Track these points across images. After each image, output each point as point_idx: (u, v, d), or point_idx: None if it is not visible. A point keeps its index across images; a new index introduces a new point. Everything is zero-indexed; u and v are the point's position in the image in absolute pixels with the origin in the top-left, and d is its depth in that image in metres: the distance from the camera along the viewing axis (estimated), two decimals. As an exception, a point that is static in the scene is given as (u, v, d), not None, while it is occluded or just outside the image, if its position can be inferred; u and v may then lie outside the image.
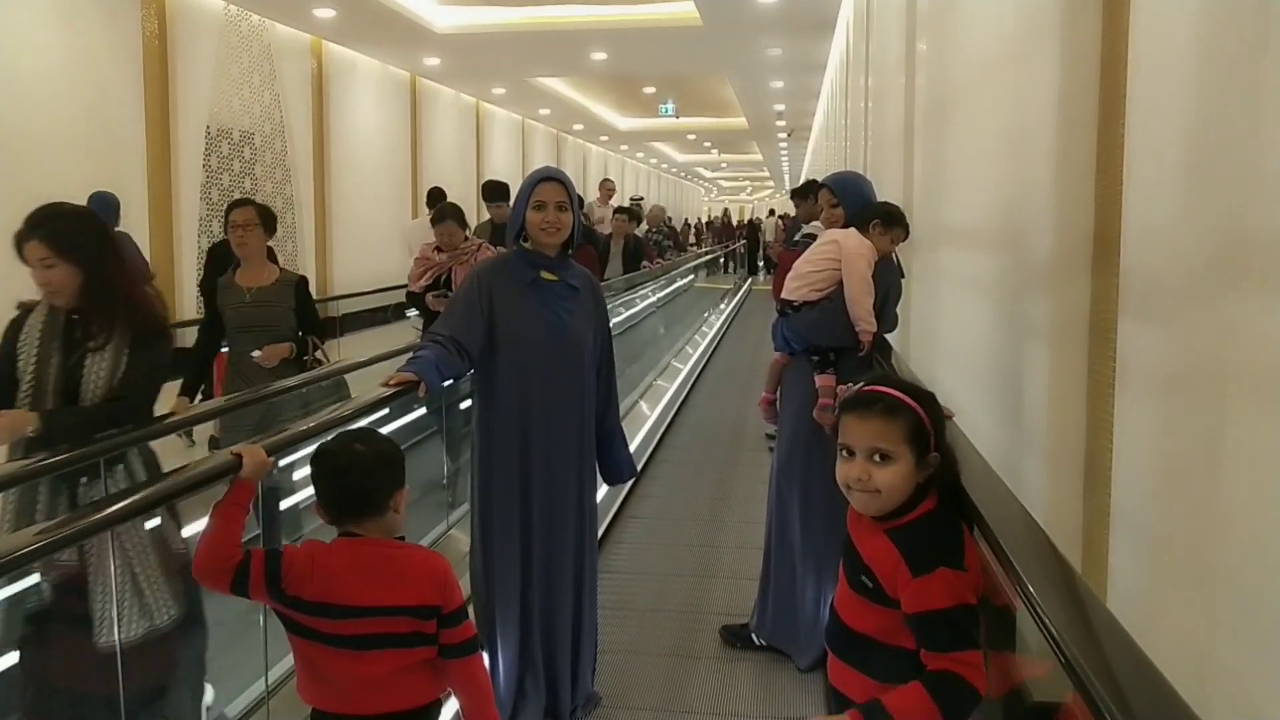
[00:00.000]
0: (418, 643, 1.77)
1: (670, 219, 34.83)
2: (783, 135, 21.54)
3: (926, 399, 1.62)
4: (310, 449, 1.90)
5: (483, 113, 16.93)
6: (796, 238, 5.56)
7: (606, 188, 9.38)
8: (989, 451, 2.23)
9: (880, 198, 3.50)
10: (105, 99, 7.69)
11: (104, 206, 6.64)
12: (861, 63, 7.80)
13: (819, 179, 4.41)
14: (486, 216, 6.77)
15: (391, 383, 2.46)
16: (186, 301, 8.80)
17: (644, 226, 9.81)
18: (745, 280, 21.79)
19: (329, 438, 1.96)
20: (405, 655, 1.76)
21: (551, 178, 2.72)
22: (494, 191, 6.53)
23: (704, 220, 35.27)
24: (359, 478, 1.78)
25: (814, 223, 5.32)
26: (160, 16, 8.36)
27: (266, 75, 10.07)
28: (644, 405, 6.99)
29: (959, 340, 3.49)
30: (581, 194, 8.89)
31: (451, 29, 10.84)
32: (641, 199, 10.89)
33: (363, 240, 11.94)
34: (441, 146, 15.04)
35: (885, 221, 3.20)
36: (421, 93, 14.22)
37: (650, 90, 16.95)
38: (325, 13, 9.77)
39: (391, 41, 11.41)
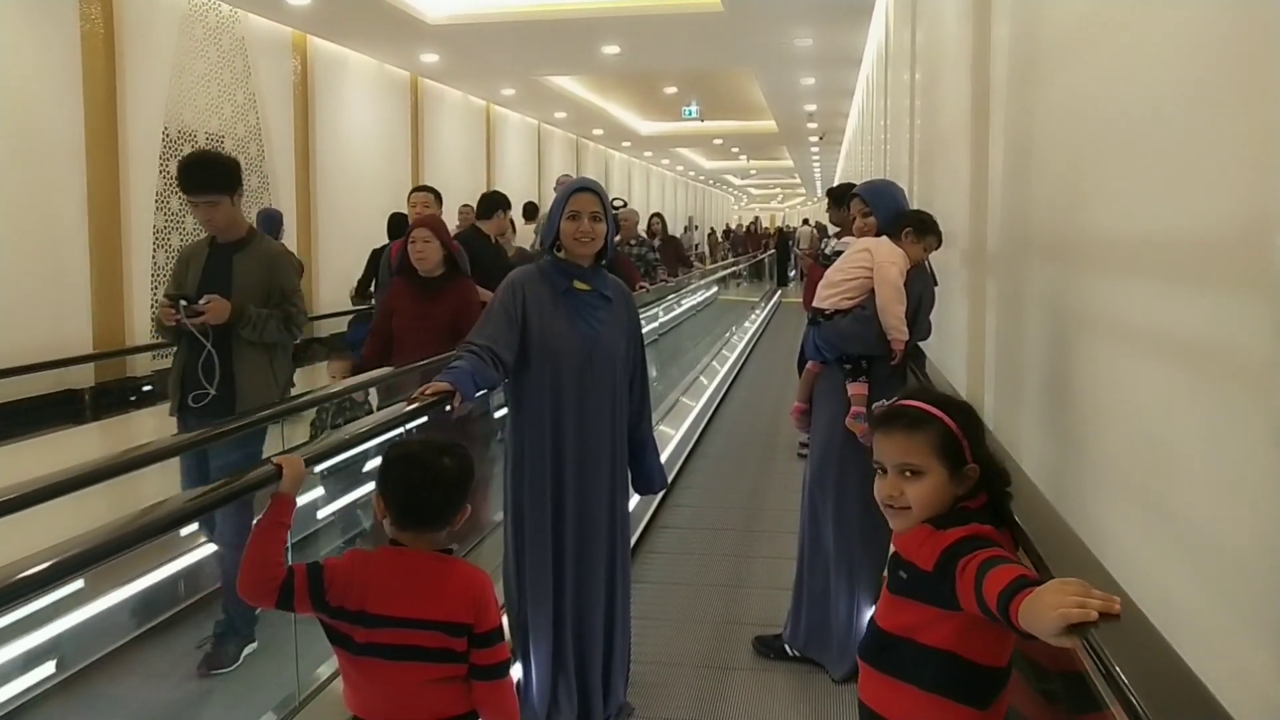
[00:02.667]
0: (446, 659, 1.76)
1: (693, 227, 33.55)
2: (814, 139, 20.36)
3: (959, 409, 1.59)
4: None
5: (494, 116, 15.93)
6: (826, 252, 5.23)
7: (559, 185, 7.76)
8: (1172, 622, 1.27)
9: (939, 202, 3.30)
10: (32, 94, 6.72)
11: (269, 221, 6.97)
12: (906, 55, 6.69)
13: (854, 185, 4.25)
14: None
15: (427, 392, 2.48)
16: (139, 325, 7.82)
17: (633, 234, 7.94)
18: (775, 292, 20.65)
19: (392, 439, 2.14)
20: (431, 670, 1.75)
21: (587, 188, 2.74)
22: (197, 175, 3.51)
23: (726, 228, 33.65)
24: (440, 492, 1.78)
25: (845, 237, 4.94)
26: (105, 3, 7.39)
27: (239, 72, 9.10)
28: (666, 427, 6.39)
29: (1080, 408, 2.35)
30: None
31: (446, 19, 9.82)
32: (624, 203, 9.19)
33: (353, 255, 10.89)
34: (448, 153, 14.05)
35: (918, 229, 3.17)
36: (424, 94, 13.24)
37: (672, 90, 15.86)
38: (300, 0, 8.79)
39: (381, 35, 10.41)
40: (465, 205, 9.69)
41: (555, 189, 7.28)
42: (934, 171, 5.21)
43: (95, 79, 7.32)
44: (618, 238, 7.50)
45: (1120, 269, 2.05)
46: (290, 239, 9.84)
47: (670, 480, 5.39)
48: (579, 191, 2.73)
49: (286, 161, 9.89)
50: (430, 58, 11.55)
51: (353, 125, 11.31)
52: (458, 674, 1.78)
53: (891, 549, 1.61)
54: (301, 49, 10.21)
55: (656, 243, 8.85)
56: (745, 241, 24.91)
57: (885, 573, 1.63)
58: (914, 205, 5.93)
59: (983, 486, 1.56)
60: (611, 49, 11.04)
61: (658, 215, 9.99)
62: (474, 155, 15.21)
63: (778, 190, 48.28)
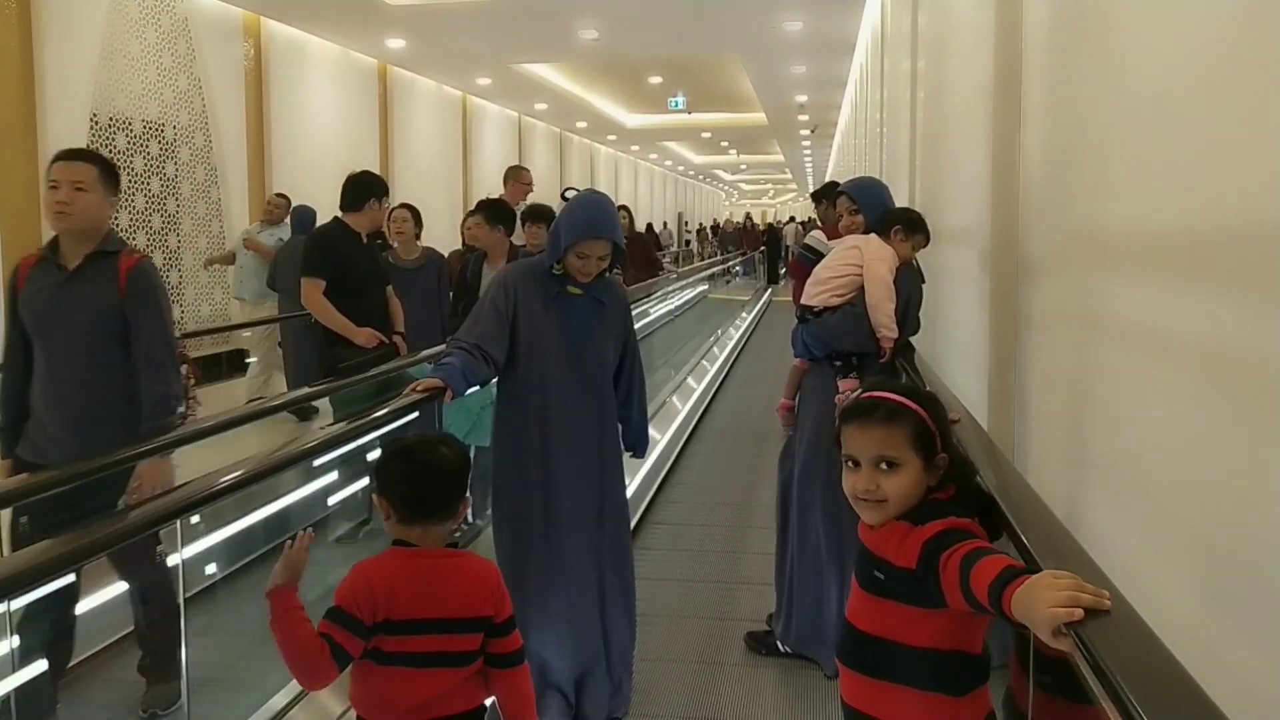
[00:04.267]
0: (473, 660, 1.78)
1: (683, 223, 32.73)
2: (805, 132, 19.70)
3: (928, 400, 1.59)
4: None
5: (471, 108, 15.22)
6: (798, 250, 5.28)
7: (521, 181, 6.07)
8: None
9: (948, 197, 3.15)
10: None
11: (304, 220, 6.83)
12: (905, 42, 6.04)
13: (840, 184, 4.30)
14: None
15: (419, 389, 2.50)
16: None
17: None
18: (765, 290, 19.98)
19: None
20: (462, 673, 1.76)
21: (601, 237, 2.66)
22: None
23: (714, 223, 32.81)
24: (443, 482, 1.78)
25: (814, 232, 4.96)
26: (21, -24, 6.69)
27: (182, 55, 8.38)
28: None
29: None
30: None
31: (409, 0, 9.12)
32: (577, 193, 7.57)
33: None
34: (421, 146, 13.34)
35: (907, 227, 3.17)
36: (393, 83, 12.53)
37: (657, 80, 15.17)
38: (245, -23, 8.10)
39: (341, 18, 9.71)
40: (277, 195, 7.73)
41: (505, 183, 6.49)
42: (941, 163, 4.58)
43: (8, 59, 6.61)
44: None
45: (1238, 283, 1.40)
46: (239, 233, 9.15)
47: (661, 477, 5.51)
48: (595, 240, 2.65)
49: (238, 153, 9.18)
50: (396, 43, 10.84)
51: (314, 115, 10.60)
52: (478, 670, 1.79)
53: (860, 542, 1.60)
54: (255, 32, 9.49)
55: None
56: (739, 238, 24.02)
57: (855, 573, 1.61)
58: (917, 201, 5.35)
59: (951, 477, 1.56)
60: (589, 33, 10.35)
61: (624, 208, 9.05)
62: (449, 149, 14.49)
63: (769, 186, 47.67)
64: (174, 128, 8.30)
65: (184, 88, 8.43)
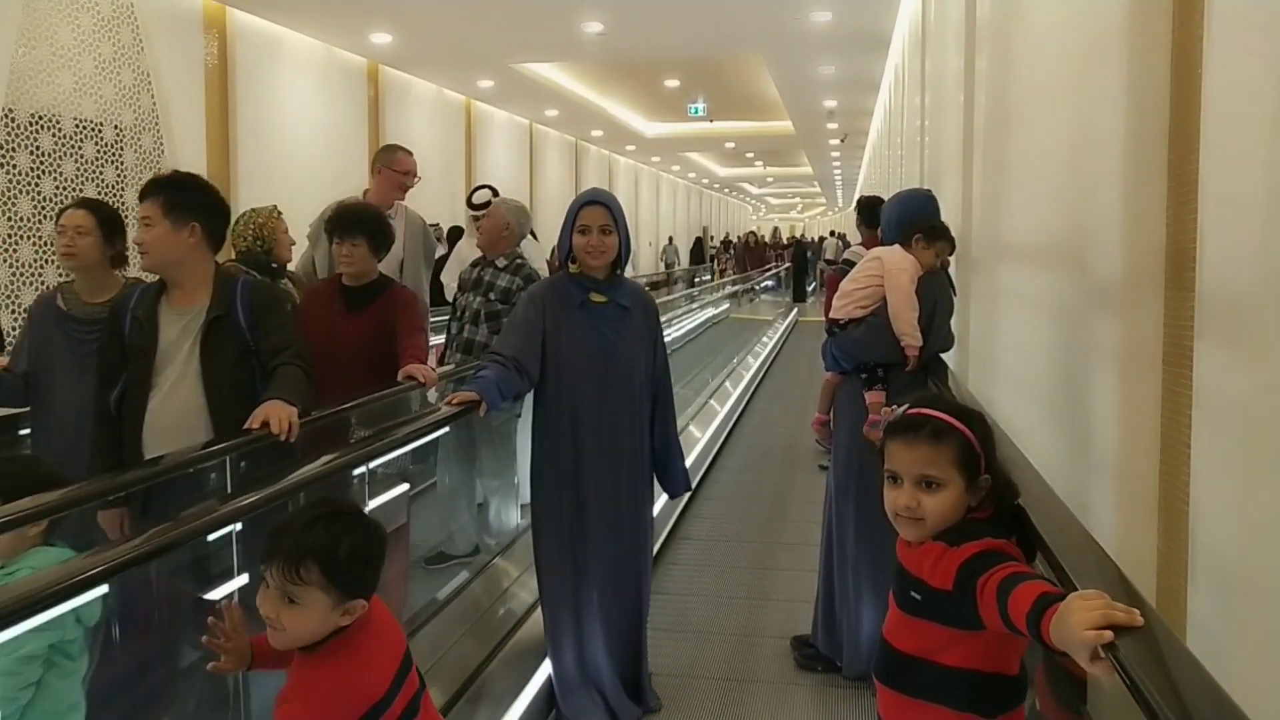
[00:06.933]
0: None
1: (707, 237, 31.78)
2: (835, 141, 18.54)
3: (975, 420, 1.57)
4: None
5: (476, 114, 14.22)
6: (838, 263, 5.16)
7: (396, 169, 4.42)
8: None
9: (1017, 198, 3.24)
10: None
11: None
12: (955, 36, 4.96)
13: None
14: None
15: (454, 401, 2.54)
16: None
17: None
18: (791, 309, 18.81)
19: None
20: (427, 695, 1.71)
21: (595, 201, 2.77)
22: None
23: (728, 238, 31.39)
24: None
25: (855, 247, 4.78)
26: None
27: (126, 47, 7.42)
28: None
29: None
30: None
31: (388, -12, 8.14)
32: (493, 193, 5.20)
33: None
34: (419, 154, 12.23)
35: (928, 236, 3.19)
36: (386, 85, 11.55)
37: (674, 84, 14.10)
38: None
39: (317, 8, 8.73)
40: None
41: (372, 171, 4.78)
42: (1011, 163, 3.48)
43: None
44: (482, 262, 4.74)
45: None
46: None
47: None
48: (588, 205, 2.75)
49: (195, 157, 8.18)
50: (382, 38, 9.84)
51: (290, 118, 9.61)
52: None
53: (898, 560, 1.57)
54: (219, 24, 8.52)
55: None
56: (744, 258, 22.51)
57: (892, 589, 1.60)
58: (975, 212, 4.28)
59: (992, 498, 1.54)
60: (593, 26, 9.29)
61: (488, 187, 7.08)
62: (451, 157, 13.49)
63: (797, 200, 46.46)
64: (115, 127, 7.33)
65: (129, 83, 7.46)
